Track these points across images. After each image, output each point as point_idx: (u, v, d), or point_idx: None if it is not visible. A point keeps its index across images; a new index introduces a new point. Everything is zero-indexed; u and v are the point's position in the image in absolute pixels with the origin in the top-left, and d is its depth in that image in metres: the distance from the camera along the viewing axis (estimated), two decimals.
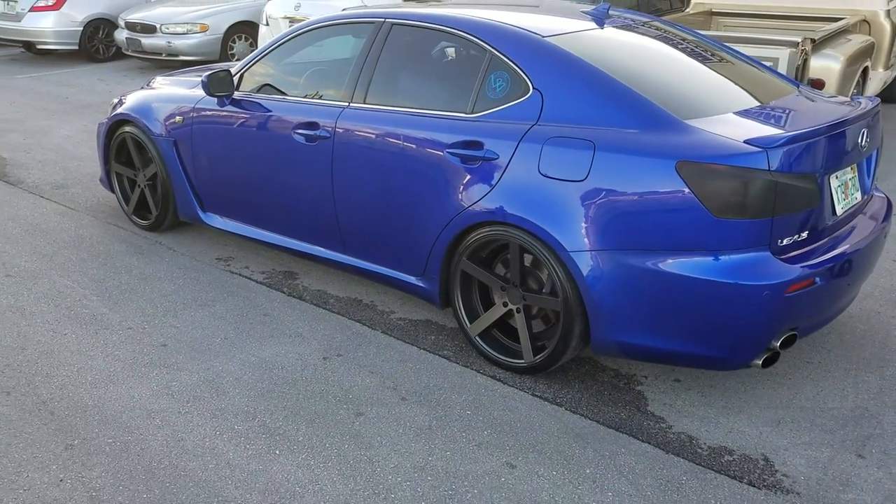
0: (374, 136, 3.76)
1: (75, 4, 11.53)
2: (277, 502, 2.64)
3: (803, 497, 2.77)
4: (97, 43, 11.83)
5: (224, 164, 4.50)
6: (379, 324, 3.93)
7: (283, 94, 4.25)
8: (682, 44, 3.90)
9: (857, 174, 3.44)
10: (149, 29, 10.71)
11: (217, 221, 4.70)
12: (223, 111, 4.43)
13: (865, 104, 3.48)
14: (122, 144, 5.13)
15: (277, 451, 2.91)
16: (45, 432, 2.98)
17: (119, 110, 5.07)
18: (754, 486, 2.81)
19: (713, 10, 8.43)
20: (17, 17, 11.53)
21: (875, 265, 3.62)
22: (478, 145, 3.42)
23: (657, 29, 4.02)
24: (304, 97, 4.14)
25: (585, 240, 3.13)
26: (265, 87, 4.36)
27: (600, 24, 3.83)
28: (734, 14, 8.35)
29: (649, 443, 3.05)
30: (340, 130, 3.88)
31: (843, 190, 3.31)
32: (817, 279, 3.05)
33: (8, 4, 11.66)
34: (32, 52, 12.24)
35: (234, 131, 4.38)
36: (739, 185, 2.89)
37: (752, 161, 2.89)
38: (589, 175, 3.13)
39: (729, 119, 3.18)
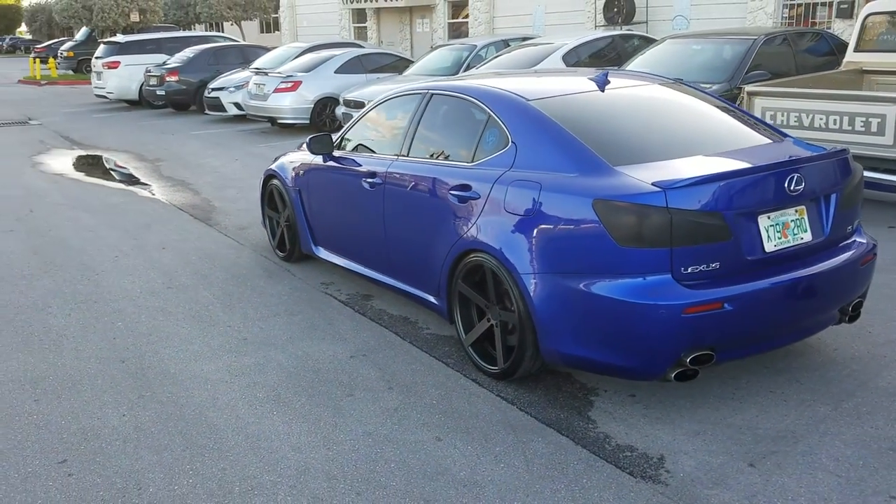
0: (408, 181, 4.68)
1: (308, 86, 13.73)
2: (253, 441, 3.58)
3: (670, 488, 3.18)
4: (325, 118, 13.92)
5: (324, 207, 5.65)
6: (410, 335, 4.77)
7: (367, 151, 5.30)
8: (672, 102, 4.42)
9: (805, 217, 3.75)
10: (360, 105, 12.47)
11: (322, 253, 5.84)
12: (325, 166, 5.59)
13: (808, 153, 3.80)
14: (271, 194, 6.49)
15: (275, 413, 3.86)
16: (132, 387, 4.18)
17: (269, 167, 6.46)
18: (631, 475, 3.27)
19: (864, 68, 8.36)
20: (264, 98, 13.94)
21: (836, 302, 3.84)
22: (468, 187, 4.21)
23: (656, 90, 4.56)
24: (375, 153, 5.17)
25: (532, 264, 3.79)
26: (358, 147, 5.45)
27: (601, 87, 4.46)
28: (885, 72, 8.22)
29: (567, 436, 3.58)
30: (389, 178, 4.84)
31: (778, 230, 3.65)
32: (726, 305, 3.45)
33: (259, 87, 14.14)
34: (275, 125, 14.64)
35: (331, 181, 5.51)
36: (637, 219, 3.42)
37: (651, 199, 3.42)
38: (535, 210, 3.80)
39: (661, 165, 3.70)
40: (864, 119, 6.54)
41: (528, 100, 4.22)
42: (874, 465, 3.27)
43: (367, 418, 3.79)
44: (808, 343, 4.42)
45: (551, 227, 3.72)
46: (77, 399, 4.04)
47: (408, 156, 4.81)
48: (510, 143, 4.11)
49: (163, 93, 18.09)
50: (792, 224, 3.70)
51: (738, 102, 7.39)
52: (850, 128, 6.62)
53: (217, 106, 16.36)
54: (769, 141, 4.13)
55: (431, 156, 4.65)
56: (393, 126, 5.17)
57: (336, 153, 5.54)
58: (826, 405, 3.77)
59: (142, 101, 19.70)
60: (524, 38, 13.21)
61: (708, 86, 8.47)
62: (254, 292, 5.65)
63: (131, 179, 10.52)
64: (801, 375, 4.07)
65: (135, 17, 30.85)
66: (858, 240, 4.04)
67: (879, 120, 6.41)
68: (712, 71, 9.02)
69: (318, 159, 5.67)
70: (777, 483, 3.18)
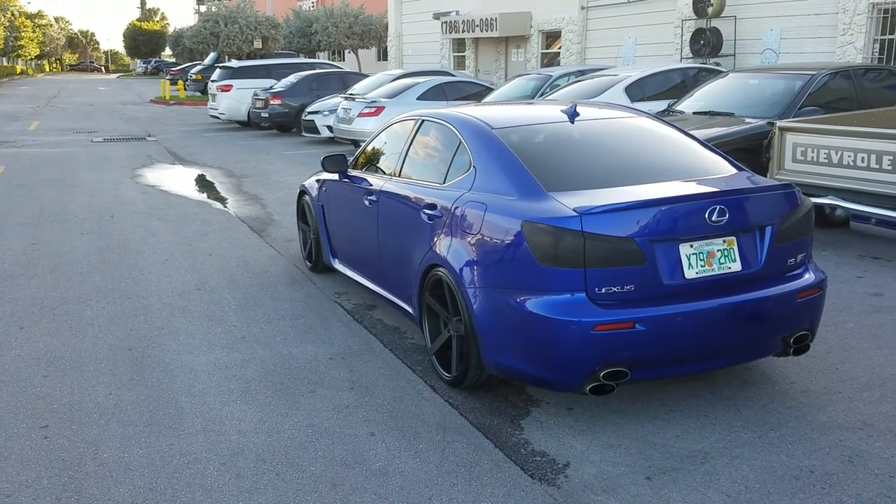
0: (395, 199, 5.05)
1: (390, 112, 14.25)
2: (208, 424, 4.00)
3: (560, 490, 3.38)
4: None
5: (339, 221, 6.09)
6: (392, 343, 5.11)
7: (373, 170, 5.72)
8: (632, 134, 4.63)
9: (734, 247, 3.87)
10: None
11: (337, 265, 6.27)
12: (339, 183, 6.04)
13: (743, 186, 3.93)
14: (303, 209, 7.01)
15: (238, 402, 4.27)
16: (127, 371, 4.70)
17: (302, 183, 6.98)
18: (531, 477, 3.48)
19: None
20: (350, 121, 14.67)
21: (769, 332, 3.93)
22: (435, 206, 4.53)
23: (622, 123, 4.76)
24: (377, 173, 5.57)
25: (475, 279, 4.07)
26: (367, 166, 5.88)
27: (571, 119, 4.69)
28: None
29: (491, 440, 3.82)
30: (382, 196, 5.22)
31: (701, 258, 3.79)
32: (637, 325, 3.63)
33: (346, 111, 14.89)
34: (357, 148, 15.34)
35: (343, 197, 5.95)
36: (553, 240, 3.67)
37: (567, 223, 3.66)
38: (480, 229, 4.09)
39: (595, 192, 3.92)
40: (891, 157, 6.43)
41: (493, 128, 4.52)
42: (769, 490, 3.35)
43: (318, 412, 4.15)
44: (766, 374, 4.48)
45: (491, 244, 4.00)
46: (78, 377, 4.60)
47: (399, 176, 5.19)
48: (471, 167, 4.42)
49: (267, 115, 19.23)
50: (718, 253, 3.83)
51: (769, 138, 7.38)
52: (877, 166, 6.53)
53: (312, 128, 17.28)
54: (721, 174, 4.27)
55: (416, 176, 5.00)
56: (392, 148, 5.56)
57: (350, 172, 5.97)
58: (752, 432, 3.85)
59: (250, 123, 20.93)
60: (599, 69, 13.39)
61: (755, 121, 8.46)
62: (271, 297, 6.14)
63: (212, 193, 11.36)
64: (742, 404, 4.15)
65: (258, 44, 32.75)
66: (804, 273, 4.09)
67: None
68: (765, 106, 8.94)
69: (336, 177, 6.13)
70: (664, 496, 3.32)
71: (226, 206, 10.23)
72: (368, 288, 5.67)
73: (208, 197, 11.02)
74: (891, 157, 6.42)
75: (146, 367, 4.75)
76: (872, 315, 5.46)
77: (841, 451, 3.66)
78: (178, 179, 12.70)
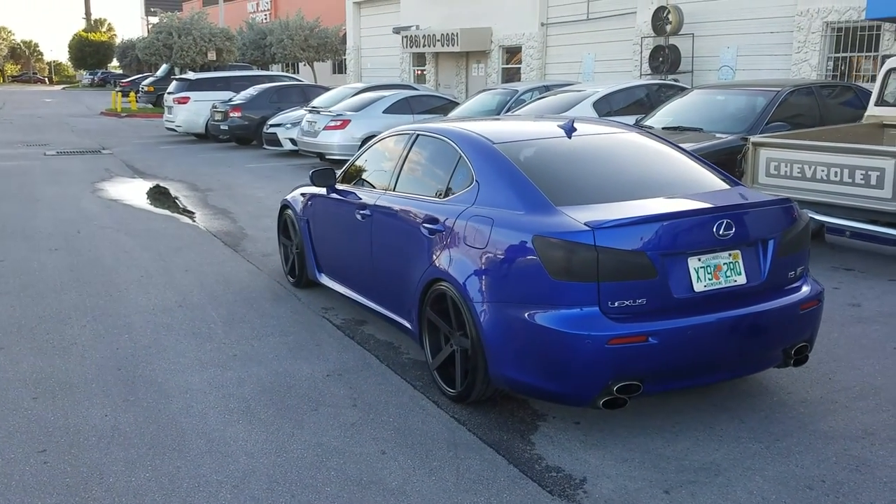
0: (391, 214, 5.02)
1: (356, 125, 14.29)
2: (213, 445, 3.91)
3: None
4: None
5: (326, 236, 6.03)
6: (388, 359, 5.07)
7: (364, 184, 5.67)
8: (630, 149, 4.68)
9: (739, 260, 3.94)
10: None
11: (324, 279, 6.21)
12: (327, 198, 5.98)
13: (744, 201, 4.00)
14: (285, 223, 6.92)
15: (240, 421, 4.19)
16: (120, 392, 4.57)
17: (285, 198, 6.90)
18: (550, 493, 3.47)
19: (884, 122, 8.39)
20: (315, 134, 14.57)
21: (774, 344, 4.00)
22: (436, 221, 4.52)
23: (620, 138, 4.82)
24: (368, 187, 5.53)
25: (483, 293, 4.06)
26: (357, 181, 5.83)
27: (567, 134, 4.73)
28: None
29: (504, 456, 3.81)
30: (377, 210, 5.19)
31: (709, 271, 3.85)
32: (651, 339, 3.66)
33: (311, 124, 14.78)
34: (323, 160, 15.23)
35: (332, 212, 5.90)
36: (566, 254, 3.68)
37: (580, 237, 3.68)
38: (487, 243, 4.09)
39: (602, 207, 3.95)
40: (863, 172, 6.61)
41: (494, 143, 4.53)
42: (786, 501, 3.40)
43: (324, 431, 4.09)
44: (764, 385, 4.55)
45: (499, 259, 3.99)
46: (69, 399, 4.45)
47: (394, 190, 5.16)
48: (474, 182, 4.42)
49: (226, 127, 19.01)
50: (725, 266, 3.89)
51: (743, 153, 7.53)
52: (850, 180, 6.70)
53: (274, 141, 17.12)
54: (718, 188, 4.34)
55: (412, 191, 4.98)
56: (385, 162, 5.53)
57: (338, 186, 5.92)
58: (759, 443, 3.90)
59: (208, 135, 20.64)
60: (564, 85, 13.54)
61: (725, 136, 8.62)
62: (256, 314, 6.04)
63: (178, 207, 11.16)
64: (745, 415, 4.21)
65: (212, 55, 32.33)
66: (803, 286, 4.18)
67: (878, 173, 6.48)
68: (733, 121, 9.13)
69: (323, 191, 6.07)
70: None
71: (194, 221, 10.05)
72: (358, 303, 5.62)
73: (174, 211, 10.81)
74: (863, 172, 6.60)
75: (139, 387, 4.63)
76: (855, 325, 5.59)
77: (847, 461, 3.73)
78: (140, 193, 12.45)
